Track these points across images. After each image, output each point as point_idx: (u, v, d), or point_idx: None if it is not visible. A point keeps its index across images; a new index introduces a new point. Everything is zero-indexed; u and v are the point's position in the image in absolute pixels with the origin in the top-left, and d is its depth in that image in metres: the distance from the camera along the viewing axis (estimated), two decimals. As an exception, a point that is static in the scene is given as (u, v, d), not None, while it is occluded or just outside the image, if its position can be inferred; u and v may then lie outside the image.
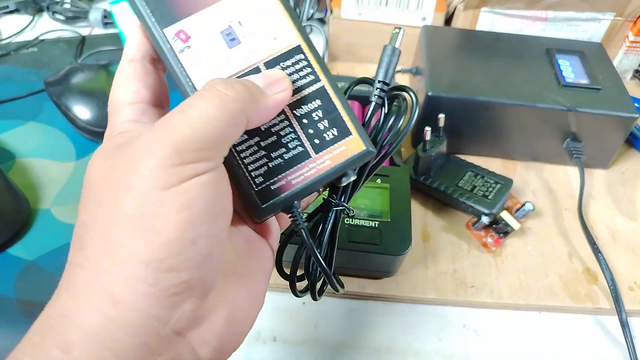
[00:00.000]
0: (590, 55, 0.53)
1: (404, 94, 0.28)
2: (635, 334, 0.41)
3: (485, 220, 0.44)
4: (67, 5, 0.71)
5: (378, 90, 0.28)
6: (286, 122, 0.25)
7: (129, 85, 0.24)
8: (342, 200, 0.28)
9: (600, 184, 0.51)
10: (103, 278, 0.19)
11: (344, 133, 0.26)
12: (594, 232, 0.47)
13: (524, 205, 0.45)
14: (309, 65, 0.25)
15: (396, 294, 0.42)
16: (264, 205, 0.25)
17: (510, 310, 0.43)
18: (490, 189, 0.46)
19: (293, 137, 0.25)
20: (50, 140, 0.54)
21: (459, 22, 0.59)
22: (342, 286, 0.29)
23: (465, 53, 0.53)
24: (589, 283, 0.43)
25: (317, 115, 0.25)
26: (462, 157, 0.50)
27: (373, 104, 0.28)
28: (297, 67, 0.25)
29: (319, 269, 0.27)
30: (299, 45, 0.25)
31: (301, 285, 0.30)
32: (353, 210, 0.29)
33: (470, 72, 0.51)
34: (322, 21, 0.67)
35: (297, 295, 0.30)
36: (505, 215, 0.44)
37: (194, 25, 0.25)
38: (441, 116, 0.46)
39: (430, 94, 0.48)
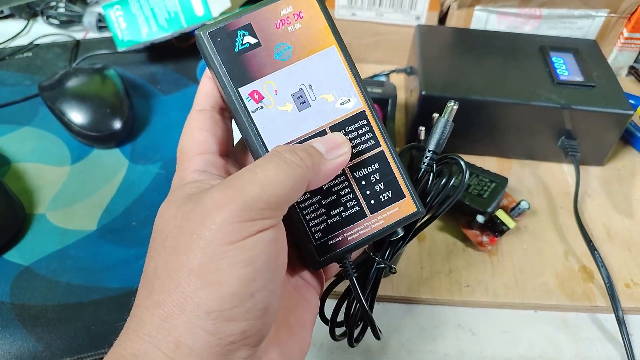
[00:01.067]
0: (584, 52, 0.53)
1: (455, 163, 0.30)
2: (632, 331, 0.41)
3: (480, 219, 0.44)
4: (62, 10, 0.71)
5: (428, 159, 0.30)
6: (346, 183, 0.27)
7: (198, 135, 0.26)
8: (386, 257, 0.30)
9: (596, 182, 0.51)
10: (169, 324, 0.21)
11: (398, 195, 0.28)
12: (590, 230, 0.47)
13: (519, 203, 0.45)
14: (371, 131, 0.27)
15: (391, 294, 0.42)
16: (321, 259, 0.27)
17: (506, 309, 0.43)
18: (485, 188, 0.46)
19: (351, 197, 0.27)
20: (45, 145, 0.54)
21: (452, 21, 0.59)
22: (381, 332, 0.31)
23: (459, 52, 0.53)
24: (585, 281, 0.43)
25: (374, 177, 0.27)
26: (457, 156, 0.50)
27: (422, 170, 0.30)
28: (360, 132, 0.27)
29: (357, 317, 0.30)
30: (363, 111, 0.27)
31: (338, 330, 0.32)
32: (395, 268, 0.31)
33: (464, 71, 0.50)
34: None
35: (335, 339, 0.32)
36: (500, 214, 0.44)
37: (267, 87, 0.27)
38: (435, 115, 0.46)
39: (424, 93, 0.48)
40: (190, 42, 0.65)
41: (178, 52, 0.65)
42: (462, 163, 0.30)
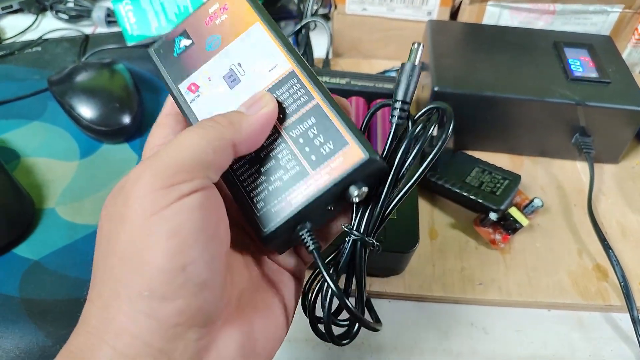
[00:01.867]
0: (599, 48, 0.52)
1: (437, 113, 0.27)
2: (647, 331, 0.40)
3: (493, 216, 0.44)
4: (71, 4, 0.71)
5: (397, 110, 0.27)
6: (283, 145, 0.26)
7: (161, 131, 0.27)
8: (357, 227, 0.26)
9: (610, 179, 0.51)
10: (109, 313, 0.20)
11: (339, 144, 0.25)
12: (604, 228, 0.46)
13: (532, 201, 0.45)
14: (303, 87, 0.26)
15: (403, 291, 0.42)
16: (265, 229, 0.25)
17: (519, 307, 0.42)
18: (498, 185, 0.46)
19: (290, 157, 0.26)
20: (54, 140, 0.54)
21: (465, 16, 0.58)
22: (379, 322, 0.29)
23: (472, 47, 0.53)
24: (599, 280, 0.43)
25: (312, 132, 0.26)
26: (469, 153, 0.50)
27: (394, 125, 0.27)
28: (291, 91, 0.27)
29: (330, 303, 0.27)
30: (293, 71, 0.27)
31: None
32: (375, 243, 0.27)
33: (476, 67, 0.50)
34: (326, 17, 0.66)
35: (317, 334, 0.28)
36: (513, 211, 0.44)
37: (201, 76, 0.28)
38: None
39: (436, 89, 0.47)
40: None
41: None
42: (446, 108, 0.26)
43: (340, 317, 0.28)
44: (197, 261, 0.21)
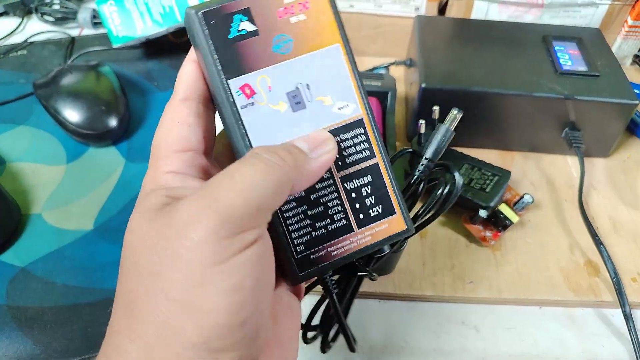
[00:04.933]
0: (588, 41, 0.52)
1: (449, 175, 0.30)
2: (639, 327, 0.40)
3: (483, 214, 0.43)
4: (56, 6, 0.70)
5: (423, 166, 0.30)
6: (335, 194, 0.25)
7: (179, 129, 0.23)
8: (369, 266, 0.29)
9: (601, 173, 0.50)
10: (151, 356, 0.19)
11: (388, 211, 0.26)
12: (595, 223, 0.46)
13: (522, 197, 0.44)
14: (367, 141, 0.25)
15: (393, 291, 0.41)
16: (301, 274, 0.25)
17: (510, 305, 0.42)
18: (487, 182, 0.45)
19: (339, 209, 0.25)
20: (40, 144, 0.54)
21: (452, 12, 0.58)
22: (356, 342, 0.31)
23: (460, 43, 0.52)
24: (590, 275, 0.42)
25: (365, 190, 0.25)
26: (459, 149, 0.49)
27: (416, 177, 0.30)
28: (356, 140, 0.25)
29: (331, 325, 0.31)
30: (362, 119, 0.25)
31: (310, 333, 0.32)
32: (376, 276, 0.29)
33: (465, 62, 0.49)
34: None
35: (306, 342, 0.31)
36: (503, 208, 0.43)
37: (261, 81, 0.24)
38: (435, 108, 0.45)
39: (424, 86, 0.47)
40: (187, 37, 0.64)
41: (174, 48, 0.64)
42: (456, 175, 0.29)
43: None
44: (255, 314, 0.20)
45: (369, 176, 0.25)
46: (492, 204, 0.44)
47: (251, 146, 0.23)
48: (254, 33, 0.23)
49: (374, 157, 0.25)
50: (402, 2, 0.58)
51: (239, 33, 0.23)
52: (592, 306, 0.42)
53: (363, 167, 0.25)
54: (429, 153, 0.30)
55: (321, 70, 0.24)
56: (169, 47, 0.64)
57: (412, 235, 0.27)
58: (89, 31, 0.69)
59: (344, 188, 0.25)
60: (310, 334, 0.31)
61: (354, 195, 0.25)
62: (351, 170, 0.25)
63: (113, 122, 0.52)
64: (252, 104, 0.24)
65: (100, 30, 0.68)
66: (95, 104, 0.53)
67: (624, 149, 0.52)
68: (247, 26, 0.23)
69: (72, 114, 0.52)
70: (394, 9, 0.58)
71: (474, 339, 0.40)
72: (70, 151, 0.53)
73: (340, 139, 0.25)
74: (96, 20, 0.67)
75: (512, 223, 0.43)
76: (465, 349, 0.39)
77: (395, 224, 0.26)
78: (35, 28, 0.68)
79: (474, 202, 0.44)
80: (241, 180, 0.19)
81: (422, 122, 0.44)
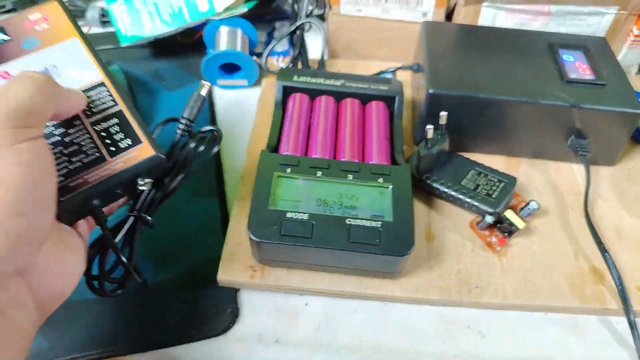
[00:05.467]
0: (594, 50, 0.52)
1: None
2: (643, 334, 0.40)
3: (489, 219, 0.44)
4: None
5: (183, 125, 0.40)
6: (87, 136, 0.34)
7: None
8: (139, 207, 0.37)
9: (607, 182, 0.51)
10: None
11: (136, 142, 0.34)
12: (601, 231, 0.46)
13: (529, 203, 0.44)
14: (110, 95, 0.35)
15: (399, 294, 0.41)
16: (62, 199, 0.31)
17: (515, 310, 0.42)
18: (494, 188, 0.46)
19: (91, 145, 0.34)
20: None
21: (459, 18, 0.58)
22: (145, 281, 0.38)
23: (467, 49, 0.53)
24: (595, 283, 0.43)
25: (113, 129, 0.34)
26: (465, 155, 0.49)
27: (178, 135, 0.40)
28: (100, 96, 0.35)
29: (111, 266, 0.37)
30: (103, 82, 0.36)
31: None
32: (149, 219, 0.37)
33: (472, 69, 0.50)
34: (321, 18, 0.66)
35: (94, 291, 0.36)
36: (509, 214, 0.44)
37: (14, 68, 0.35)
38: (443, 114, 0.45)
39: (431, 91, 0.47)
40: (195, 37, 0.64)
41: (182, 48, 0.65)
42: (217, 133, 0.40)
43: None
44: (42, 190, 0.27)
45: (115, 118, 0.34)
46: (498, 210, 0.44)
47: None
48: (9, 40, 0.36)
49: (117, 105, 0.35)
50: (410, 8, 0.58)
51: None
52: (597, 313, 0.42)
53: (109, 113, 0.35)
54: (185, 113, 0.40)
55: (65, 55, 0.36)
56: (177, 47, 0.64)
57: (164, 162, 0.34)
58: (97, 29, 0.69)
59: (94, 129, 0.34)
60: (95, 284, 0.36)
61: (103, 133, 0.34)
62: (99, 116, 0.34)
63: (120, 121, 0.52)
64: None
65: (108, 29, 0.68)
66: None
67: (630, 157, 0.53)
68: (3, 37, 0.36)
69: (80, 112, 0.52)
70: (401, 14, 0.59)
71: (480, 344, 0.40)
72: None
73: (87, 94, 0.35)
74: (104, 19, 0.68)
75: (518, 229, 0.43)
76: (471, 353, 0.39)
77: (144, 151, 0.34)
78: (43, 26, 0.68)
79: (481, 208, 0.45)
80: (19, 88, 0.28)
81: (429, 127, 0.45)
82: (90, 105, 0.34)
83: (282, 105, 0.50)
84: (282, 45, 0.64)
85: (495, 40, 0.54)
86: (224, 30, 0.58)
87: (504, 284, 0.42)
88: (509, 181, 0.46)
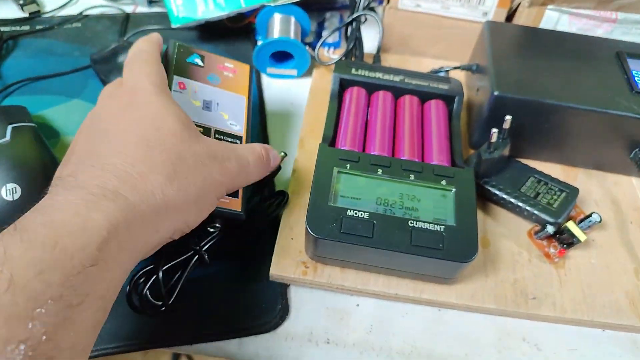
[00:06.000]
0: (663, 61, 0.50)
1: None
2: None
3: (550, 229, 0.42)
4: (112, -19, 0.69)
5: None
6: None
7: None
8: (202, 244, 0.38)
9: (668, 198, 0.49)
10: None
11: (235, 194, 0.38)
12: (662, 248, 0.44)
13: (590, 215, 0.43)
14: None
15: (454, 301, 0.40)
16: None
17: (572, 325, 0.41)
18: (554, 197, 0.44)
19: None
20: (94, 119, 0.53)
21: (521, 19, 0.56)
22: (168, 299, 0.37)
23: (531, 52, 0.51)
24: (656, 302, 0.41)
25: None
26: (523, 161, 0.48)
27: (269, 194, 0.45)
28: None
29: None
30: (242, 137, 0.42)
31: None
32: (206, 257, 0.38)
33: (536, 73, 0.48)
34: (373, 10, 0.64)
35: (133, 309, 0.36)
36: (571, 225, 0.42)
37: (191, 86, 0.42)
38: (508, 118, 0.44)
39: (496, 93, 0.45)
40: (243, 23, 0.63)
41: (230, 32, 0.63)
42: (286, 197, 0.44)
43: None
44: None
45: None
46: (559, 220, 0.43)
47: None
48: (201, 66, 0.45)
49: None
50: (471, 6, 0.56)
51: (194, 62, 0.45)
52: (658, 334, 0.40)
53: None
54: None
55: (228, 102, 0.43)
56: (224, 31, 0.63)
57: (242, 220, 0.38)
58: (143, 9, 0.68)
59: None
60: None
61: None
62: None
63: (170, 103, 0.52)
64: (180, 92, 0.42)
65: (154, 9, 0.67)
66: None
67: (691, 174, 0.51)
68: (199, 61, 0.45)
69: (130, 92, 0.51)
70: (461, 12, 0.57)
71: (536, 357, 0.39)
72: (125, 129, 0.52)
73: (224, 139, 0.40)
74: (152, -2, 0.67)
75: (579, 241, 0.42)
76: (527, 366, 0.38)
77: (234, 204, 0.38)
78: (90, 1, 0.68)
79: (541, 217, 0.43)
80: (250, 170, 0.37)
81: (494, 130, 0.43)
82: None
83: (339, 98, 0.49)
84: (333, 37, 0.63)
85: (561, 44, 0.52)
86: (277, 17, 0.57)
87: (562, 297, 0.41)
88: (571, 191, 0.45)
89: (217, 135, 0.40)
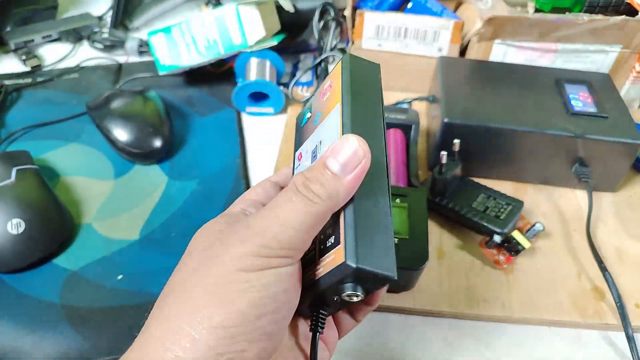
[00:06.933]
0: (597, 85, 0.56)
1: None
2: (641, 349, 0.43)
3: (497, 239, 0.47)
4: (105, 35, 0.76)
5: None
6: None
7: (258, 190, 0.32)
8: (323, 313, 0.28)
9: (608, 207, 0.54)
10: (173, 337, 0.23)
11: (336, 242, 0.25)
12: (602, 253, 0.49)
13: (534, 225, 0.48)
14: None
15: (412, 306, 0.45)
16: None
17: (521, 324, 0.45)
18: (502, 210, 0.49)
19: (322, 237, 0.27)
20: (90, 160, 0.59)
21: (472, 53, 0.62)
22: None
23: (479, 82, 0.57)
24: (597, 300, 0.46)
25: (328, 222, 0.26)
26: (476, 179, 0.53)
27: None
28: None
29: None
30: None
31: None
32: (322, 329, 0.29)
33: (483, 100, 0.54)
34: (343, 51, 0.71)
35: None
36: (516, 234, 0.47)
37: (304, 148, 0.31)
38: (456, 141, 0.50)
39: (446, 120, 0.51)
40: (224, 67, 0.70)
41: (213, 77, 0.70)
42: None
43: None
44: (272, 315, 0.24)
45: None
46: (505, 230, 0.48)
47: None
48: (309, 118, 0.33)
49: None
50: (426, 43, 0.63)
51: (304, 121, 0.34)
52: (598, 328, 0.45)
53: None
54: None
55: (327, 128, 0.29)
56: (208, 76, 0.70)
57: (352, 271, 0.23)
58: (134, 59, 0.74)
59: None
60: None
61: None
62: None
63: (158, 142, 0.57)
64: (300, 165, 0.31)
65: (145, 58, 0.74)
66: (143, 125, 0.58)
67: (630, 185, 0.56)
68: (308, 115, 0.33)
69: (122, 134, 0.57)
70: (419, 49, 0.63)
71: (487, 355, 0.43)
72: (118, 168, 0.58)
73: None
74: (142, 49, 0.73)
75: (524, 248, 0.47)
76: (479, 362, 0.43)
77: (337, 255, 0.24)
78: (86, 54, 0.74)
79: (489, 228, 0.48)
80: (284, 217, 0.24)
81: (443, 153, 0.49)
82: None
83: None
84: (307, 76, 0.69)
85: (506, 74, 0.58)
86: (254, 61, 0.63)
87: (511, 299, 0.46)
88: (516, 204, 0.50)
89: None
